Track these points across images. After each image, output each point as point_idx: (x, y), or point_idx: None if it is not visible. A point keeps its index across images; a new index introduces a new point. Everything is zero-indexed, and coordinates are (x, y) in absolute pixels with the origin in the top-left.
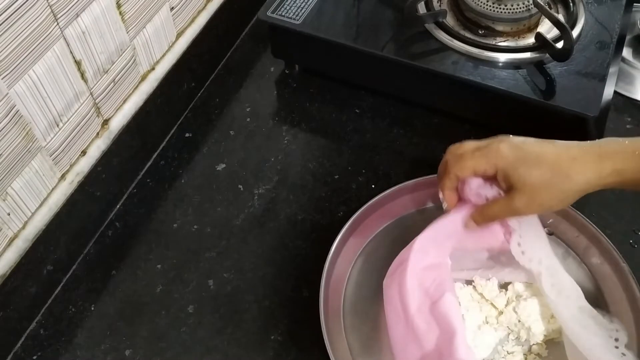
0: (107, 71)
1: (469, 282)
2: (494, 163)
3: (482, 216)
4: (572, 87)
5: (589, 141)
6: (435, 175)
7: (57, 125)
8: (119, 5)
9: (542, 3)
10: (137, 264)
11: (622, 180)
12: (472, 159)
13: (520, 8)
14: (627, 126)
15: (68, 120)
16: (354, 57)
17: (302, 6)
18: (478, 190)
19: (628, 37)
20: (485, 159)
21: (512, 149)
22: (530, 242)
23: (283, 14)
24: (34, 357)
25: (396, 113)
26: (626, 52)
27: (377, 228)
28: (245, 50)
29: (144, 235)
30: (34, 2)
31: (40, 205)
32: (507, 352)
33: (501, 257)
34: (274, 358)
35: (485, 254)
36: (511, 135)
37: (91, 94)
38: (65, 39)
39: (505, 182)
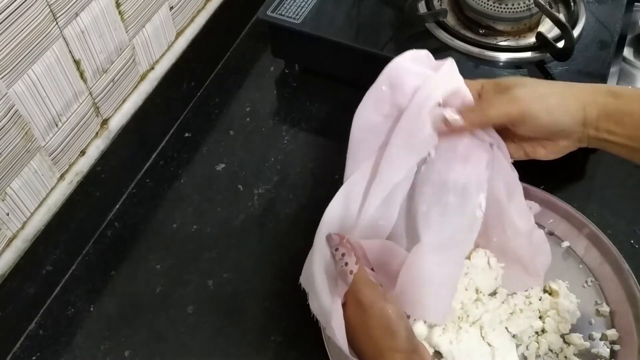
0: (106, 71)
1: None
2: (482, 82)
3: (477, 112)
4: None
5: None
6: None
7: (56, 125)
8: (118, 5)
9: (543, 2)
10: (137, 265)
11: (617, 107)
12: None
13: (521, 7)
14: None
15: (67, 120)
16: (354, 56)
17: (302, 5)
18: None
19: (629, 37)
20: (472, 81)
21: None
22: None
23: (283, 13)
24: (33, 358)
25: None
26: (627, 52)
27: None
28: (245, 49)
29: (144, 235)
30: (33, 1)
31: (40, 205)
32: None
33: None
34: (274, 358)
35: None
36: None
37: (90, 93)
38: (64, 38)
39: (496, 89)
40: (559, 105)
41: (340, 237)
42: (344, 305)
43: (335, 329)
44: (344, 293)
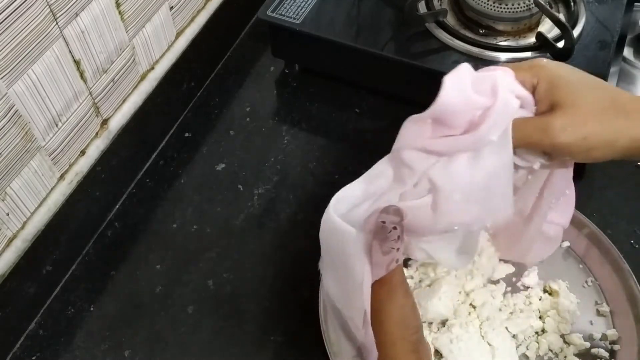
0: (106, 71)
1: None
2: (538, 72)
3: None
4: None
5: None
6: None
7: (56, 125)
8: (118, 5)
9: (543, 2)
10: (137, 264)
11: None
12: (513, 66)
13: (521, 7)
14: None
15: (67, 120)
16: (354, 56)
17: (302, 5)
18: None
19: (629, 37)
20: (529, 67)
21: (564, 66)
22: None
23: (283, 13)
24: (33, 358)
25: (396, 113)
26: (627, 52)
27: None
28: (245, 49)
29: (144, 235)
30: (33, 1)
31: (39, 205)
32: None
33: None
34: (274, 358)
35: None
36: None
37: (90, 93)
38: (64, 38)
39: (547, 99)
40: (604, 145)
41: (402, 216)
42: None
43: (365, 295)
44: (378, 278)
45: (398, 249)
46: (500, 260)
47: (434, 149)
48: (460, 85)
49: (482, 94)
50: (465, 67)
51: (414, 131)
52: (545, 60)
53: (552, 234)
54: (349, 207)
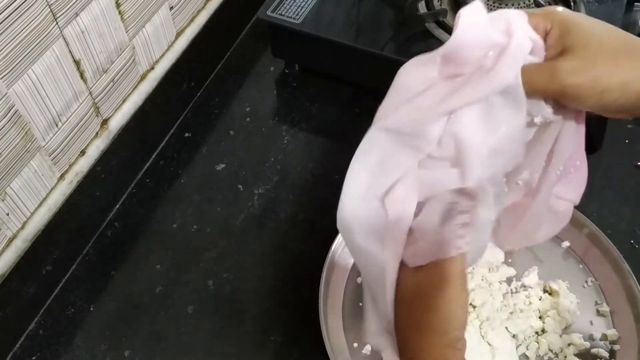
0: (106, 71)
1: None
2: (551, 17)
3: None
4: None
5: None
6: None
7: (56, 125)
8: (118, 5)
9: (542, 2)
10: (137, 264)
11: None
12: (527, 11)
13: (521, 8)
14: (628, 126)
15: (67, 120)
16: (354, 56)
17: (302, 5)
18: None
19: None
20: (543, 13)
21: (579, 14)
22: None
23: (283, 13)
24: (33, 358)
25: None
26: None
27: None
28: (245, 49)
29: (144, 235)
30: (33, 1)
31: (39, 205)
32: None
33: None
34: (274, 358)
35: None
36: None
37: (90, 93)
38: (64, 38)
39: (559, 45)
40: (618, 87)
41: (475, 199)
42: (417, 267)
43: (388, 287)
44: (431, 260)
45: (462, 237)
46: (501, 261)
47: (450, 107)
48: (476, 20)
49: (497, 32)
50: (479, 3)
51: (418, 75)
52: (560, 7)
53: (562, 209)
54: (366, 197)
